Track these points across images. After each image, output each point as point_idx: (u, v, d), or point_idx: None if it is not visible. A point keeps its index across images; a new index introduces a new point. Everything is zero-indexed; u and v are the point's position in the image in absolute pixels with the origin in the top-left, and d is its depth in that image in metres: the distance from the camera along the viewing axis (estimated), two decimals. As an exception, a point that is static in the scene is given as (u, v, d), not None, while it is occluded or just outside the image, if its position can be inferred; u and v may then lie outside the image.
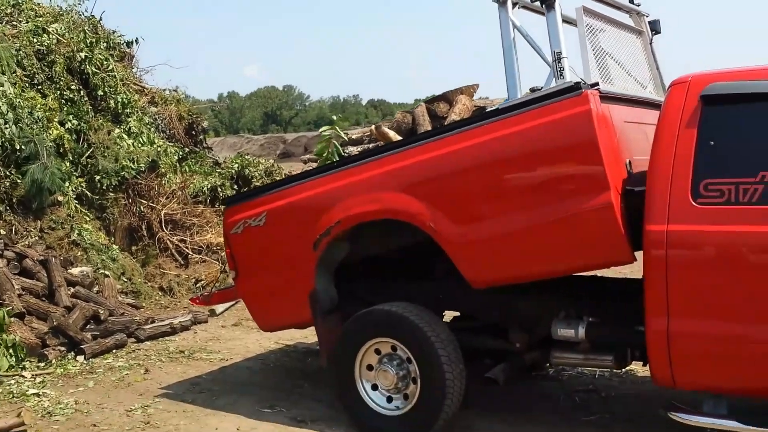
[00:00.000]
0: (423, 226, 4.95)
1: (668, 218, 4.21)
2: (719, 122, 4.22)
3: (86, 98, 10.54)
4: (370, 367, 5.23)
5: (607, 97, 4.64)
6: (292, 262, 5.59)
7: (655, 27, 6.08)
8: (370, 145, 19.10)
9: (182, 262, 10.66)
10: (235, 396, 6.07)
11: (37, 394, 6.17)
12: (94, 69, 10.81)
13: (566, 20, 5.25)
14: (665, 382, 4.38)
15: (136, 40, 12.12)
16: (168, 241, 10.66)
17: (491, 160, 4.72)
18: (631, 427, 5.26)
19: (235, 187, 13.01)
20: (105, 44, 11.65)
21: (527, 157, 4.60)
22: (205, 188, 12.14)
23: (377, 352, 5.21)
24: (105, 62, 11.04)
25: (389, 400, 5.17)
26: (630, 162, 4.60)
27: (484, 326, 5.40)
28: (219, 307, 8.96)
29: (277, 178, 12.94)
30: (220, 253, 10.87)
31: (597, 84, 4.58)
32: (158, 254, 10.46)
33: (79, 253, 9.28)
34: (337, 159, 11.62)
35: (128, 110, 11.00)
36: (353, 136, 19.46)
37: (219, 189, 12.48)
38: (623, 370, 5.81)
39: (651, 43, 6.10)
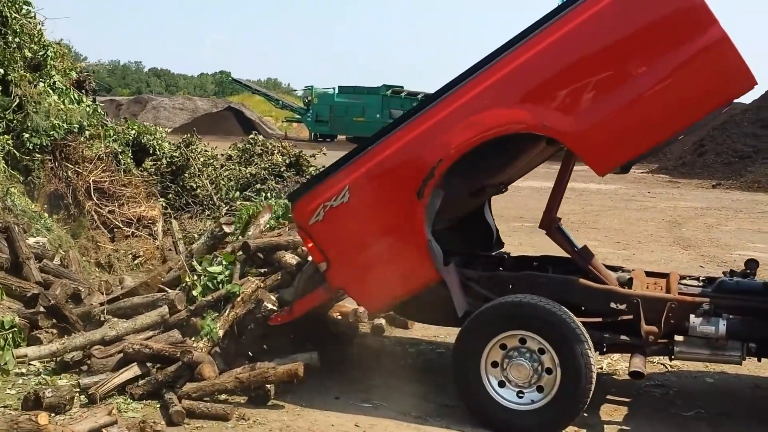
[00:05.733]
0: (536, 129, 4.97)
1: None
2: None
3: (14, 45, 9.22)
4: (494, 364, 5.13)
5: None
6: (395, 223, 5.32)
7: None
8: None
9: (109, 236, 9.68)
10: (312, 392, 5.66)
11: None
12: (13, 13, 9.48)
13: None
14: None
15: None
16: (94, 212, 9.62)
17: (588, 41, 4.86)
18: (727, 421, 5.54)
19: (131, 156, 12.02)
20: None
21: (624, 24, 4.79)
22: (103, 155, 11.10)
23: (502, 347, 5.12)
24: (25, 5, 9.71)
25: (520, 394, 5.08)
26: None
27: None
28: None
29: (207, 150, 12.10)
30: (152, 227, 10.05)
31: None
32: (89, 226, 9.42)
33: (12, 221, 8.15)
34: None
35: (53, 63, 9.77)
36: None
37: (120, 156, 11.48)
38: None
39: None
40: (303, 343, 6.20)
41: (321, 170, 5.64)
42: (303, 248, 6.08)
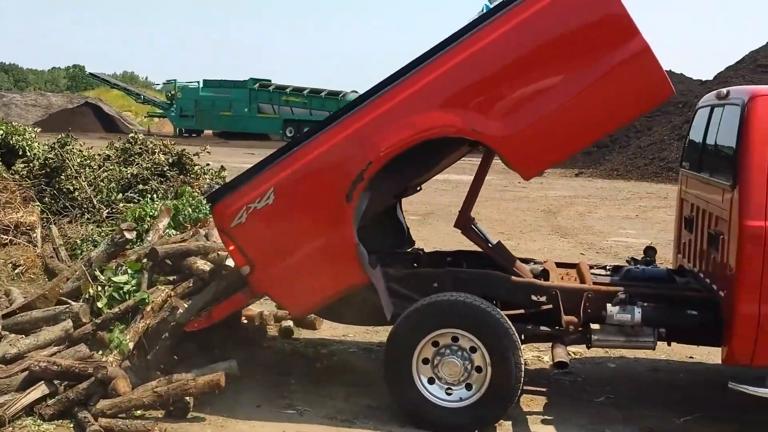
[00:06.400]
0: (467, 133, 5.03)
1: (766, 216, 4.77)
2: None
3: None
4: (425, 361, 5.17)
5: None
6: (322, 225, 5.23)
7: None
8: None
9: (-17, 245, 9.07)
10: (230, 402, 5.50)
11: None
12: None
13: None
14: (742, 360, 4.94)
15: None
16: (-34, 220, 8.98)
17: (515, 48, 4.95)
18: (635, 404, 5.79)
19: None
20: None
21: (550, 32, 4.93)
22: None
23: (434, 344, 5.15)
24: None
25: (448, 391, 5.15)
26: None
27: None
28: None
29: (83, 151, 11.58)
30: (31, 234, 9.49)
31: None
32: (-40, 235, 8.78)
33: None
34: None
35: None
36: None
37: (-16, 160, 10.79)
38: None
39: None
40: (212, 350, 6.04)
41: (247, 170, 5.43)
42: (218, 253, 5.90)
